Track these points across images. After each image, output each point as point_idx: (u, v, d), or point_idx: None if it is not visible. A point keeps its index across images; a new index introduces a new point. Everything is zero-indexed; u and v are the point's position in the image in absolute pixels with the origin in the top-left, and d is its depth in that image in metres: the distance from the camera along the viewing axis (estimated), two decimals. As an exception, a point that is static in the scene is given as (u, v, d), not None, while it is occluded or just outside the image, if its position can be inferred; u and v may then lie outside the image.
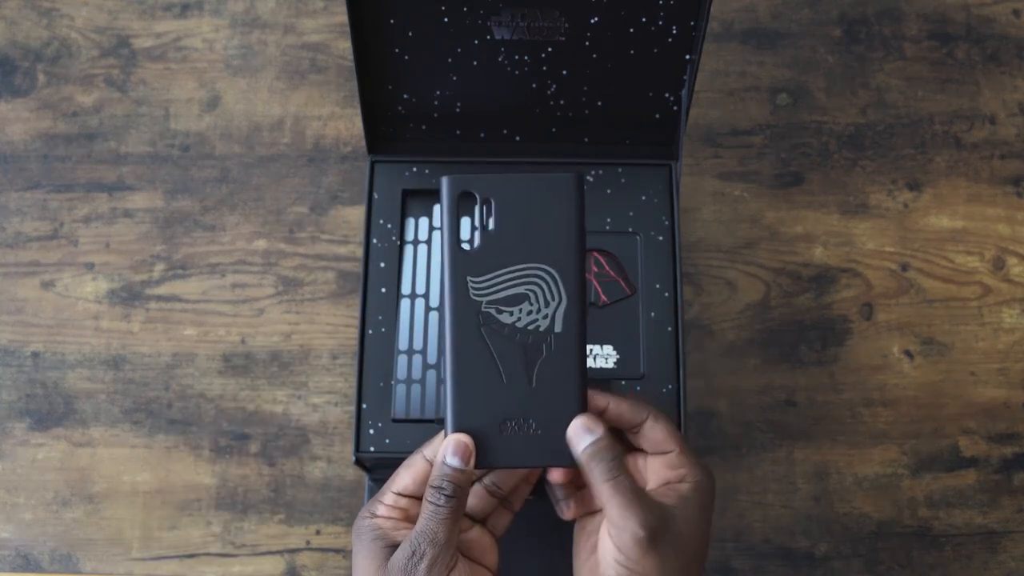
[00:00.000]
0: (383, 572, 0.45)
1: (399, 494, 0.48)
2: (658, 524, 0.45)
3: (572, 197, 0.48)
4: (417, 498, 0.48)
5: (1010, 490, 0.71)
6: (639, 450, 0.50)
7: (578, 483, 0.50)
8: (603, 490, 0.45)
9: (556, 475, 0.48)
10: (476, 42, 0.58)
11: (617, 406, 0.49)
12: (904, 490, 0.71)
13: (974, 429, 0.72)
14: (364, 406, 0.58)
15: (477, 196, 0.48)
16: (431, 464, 0.48)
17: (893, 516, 0.71)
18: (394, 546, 0.46)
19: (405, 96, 0.61)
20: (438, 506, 0.45)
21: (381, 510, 0.48)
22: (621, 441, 0.51)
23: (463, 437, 0.47)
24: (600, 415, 0.49)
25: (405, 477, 0.48)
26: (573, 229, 0.48)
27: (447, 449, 0.46)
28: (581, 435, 0.47)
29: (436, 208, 0.63)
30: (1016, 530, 0.70)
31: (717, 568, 0.69)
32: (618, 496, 0.45)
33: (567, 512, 0.49)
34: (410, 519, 0.48)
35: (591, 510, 0.50)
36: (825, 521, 0.70)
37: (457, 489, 0.46)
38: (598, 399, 0.49)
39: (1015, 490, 0.71)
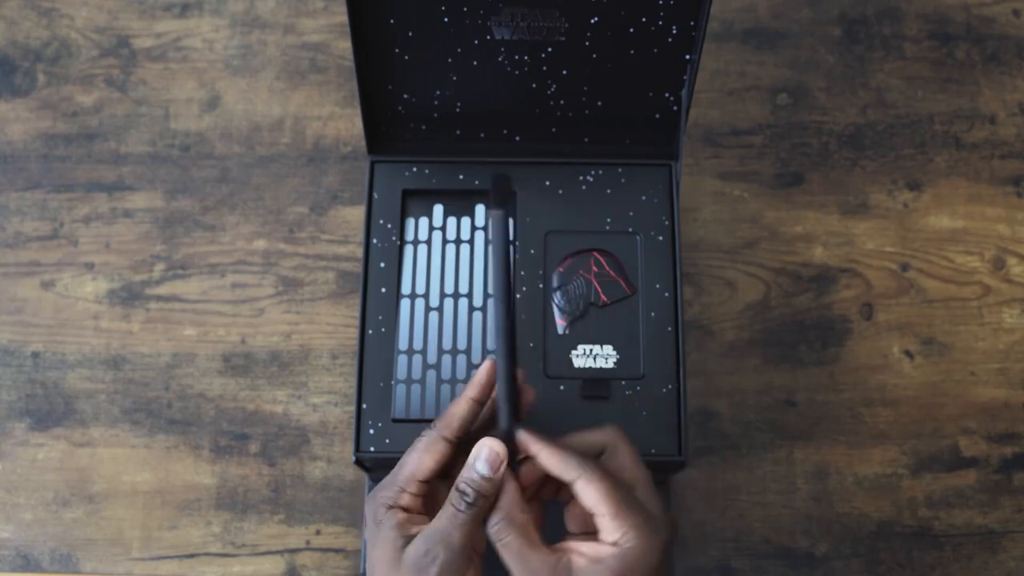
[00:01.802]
0: (398, 564, 0.45)
1: (425, 481, 0.47)
2: None
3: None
4: (442, 479, 0.48)
5: (1010, 490, 0.71)
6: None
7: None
8: (497, 547, 0.45)
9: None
10: (476, 42, 0.58)
11: (548, 458, 0.46)
12: (904, 490, 0.71)
13: (974, 429, 0.72)
14: (364, 406, 0.58)
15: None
16: (450, 442, 0.47)
17: (893, 516, 0.70)
18: (410, 538, 0.45)
19: (405, 96, 0.61)
20: (459, 511, 0.45)
21: (405, 500, 0.47)
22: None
23: (496, 445, 0.46)
24: (527, 460, 0.47)
25: (428, 461, 0.47)
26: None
27: (479, 454, 0.46)
28: (481, 461, 0.46)
29: (436, 208, 0.63)
30: (1016, 530, 0.70)
31: (717, 568, 0.69)
32: (507, 558, 0.45)
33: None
34: (439, 504, 0.47)
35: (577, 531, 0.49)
36: (825, 521, 0.70)
37: (480, 498, 0.45)
38: (532, 445, 0.47)
39: (1015, 490, 0.71)
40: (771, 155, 0.79)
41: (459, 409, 0.48)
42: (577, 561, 0.45)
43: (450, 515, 0.45)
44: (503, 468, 0.46)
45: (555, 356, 0.59)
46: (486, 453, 0.46)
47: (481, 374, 0.49)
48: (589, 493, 0.45)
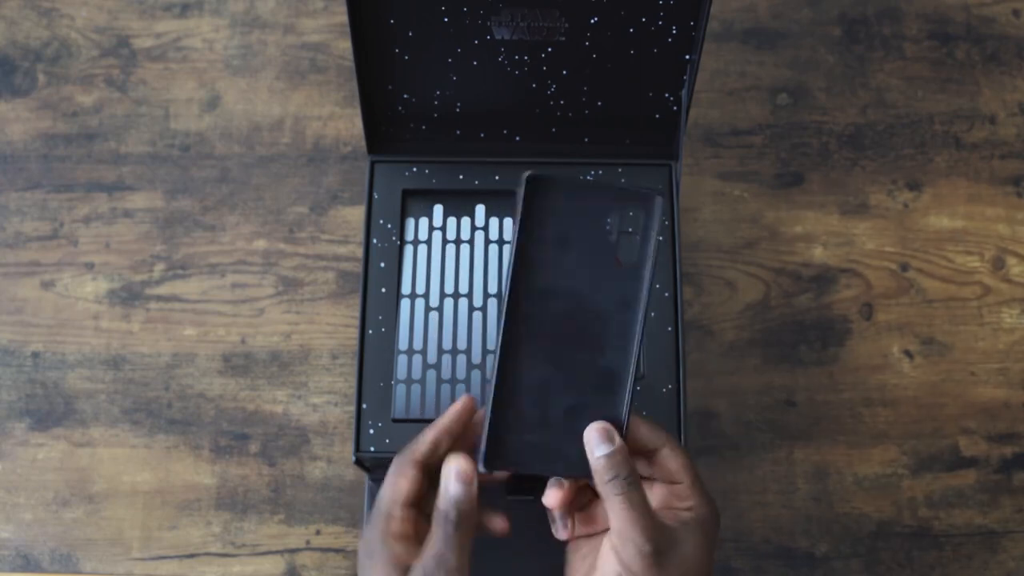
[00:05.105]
0: None
1: (408, 505, 0.47)
2: (665, 542, 0.45)
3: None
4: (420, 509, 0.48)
5: (1010, 490, 0.71)
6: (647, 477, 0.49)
7: (579, 503, 0.49)
8: (615, 503, 0.45)
9: (552, 499, 0.47)
10: (476, 42, 0.58)
11: (635, 428, 0.47)
12: (904, 490, 0.71)
13: (974, 429, 0.72)
14: (364, 406, 0.58)
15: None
16: (420, 465, 0.47)
17: (893, 516, 0.71)
18: (406, 569, 0.45)
19: (405, 96, 0.61)
20: (448, 533, 0.45)
21: (395, 526, 0.47)
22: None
23: (463, 462, 0.46)
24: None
25: (403, 485, 0.47)
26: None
27: (449, 476, 0.46)
28: (596, 443, 0.46)
29: (436, 208, 0.63)
30: (1016, 530, 0.70)
31: (717, 568, 0.69)
32: (629, 510, 0.44)
33: (564, 532, 0.48)
34: (421, 532, 0.47)
35: (591, 531, 0.49)
36: (825, 521, 0.70)
37: (462, 515, 0.45)
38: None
39: (1015, 490, 0.71)
40: (771, 155, 0.79)
41: (427, 436, 0.48)
42: (669, 523, 0.47)
43: (441, 538, 0.45)
44: (475, 481, 0.46)
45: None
46: (455, 472, 0.46)
47: (456, 407, 0.49)
48: (672, 462, 0.48)
